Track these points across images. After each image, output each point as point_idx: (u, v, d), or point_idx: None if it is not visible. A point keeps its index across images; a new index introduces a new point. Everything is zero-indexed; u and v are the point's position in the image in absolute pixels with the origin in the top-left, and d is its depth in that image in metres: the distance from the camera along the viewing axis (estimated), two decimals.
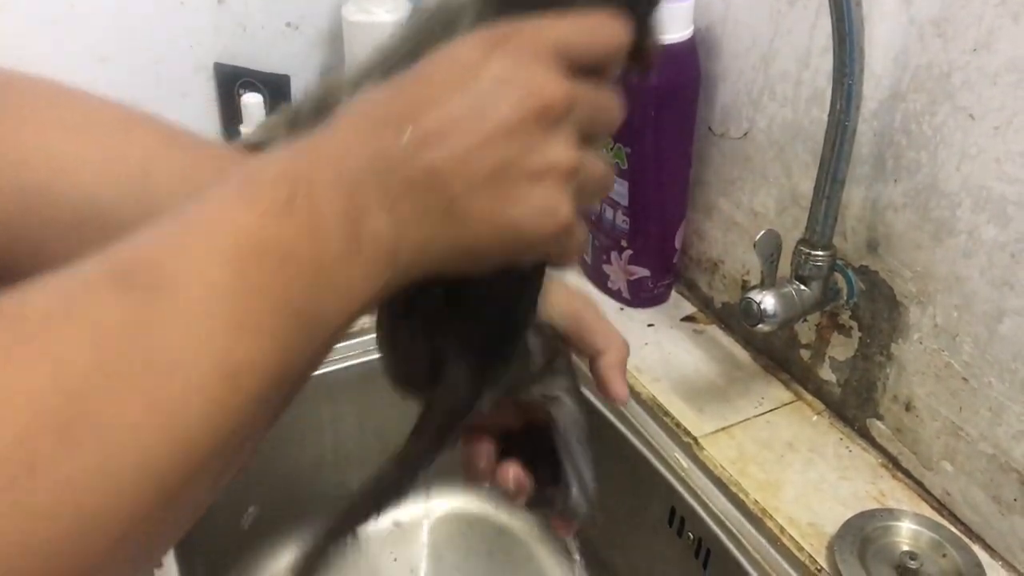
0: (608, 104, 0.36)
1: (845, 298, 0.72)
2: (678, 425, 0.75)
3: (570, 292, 0.51)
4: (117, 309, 0.26)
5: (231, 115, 0.97)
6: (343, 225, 0.31)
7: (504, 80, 0.33)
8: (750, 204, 0.81)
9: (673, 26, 0.77)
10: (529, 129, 0.33)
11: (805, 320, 0.76)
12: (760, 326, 0.69)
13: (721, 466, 0.72)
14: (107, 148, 0.41)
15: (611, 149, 0.82)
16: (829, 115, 0.65)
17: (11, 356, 0.25)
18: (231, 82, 0.97)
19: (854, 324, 0.73)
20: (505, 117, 0.32)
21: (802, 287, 0.70)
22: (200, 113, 0.99)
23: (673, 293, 0.91)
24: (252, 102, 0.92)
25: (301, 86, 1.01)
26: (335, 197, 0.31)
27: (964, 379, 0.65)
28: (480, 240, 0.34)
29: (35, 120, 0.40)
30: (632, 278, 0.87)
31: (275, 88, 0.97)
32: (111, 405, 0.25)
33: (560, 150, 0.34)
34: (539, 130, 0.33)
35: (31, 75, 0.41)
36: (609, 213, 0.86)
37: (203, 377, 0.27)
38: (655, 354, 0.83)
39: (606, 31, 0.35)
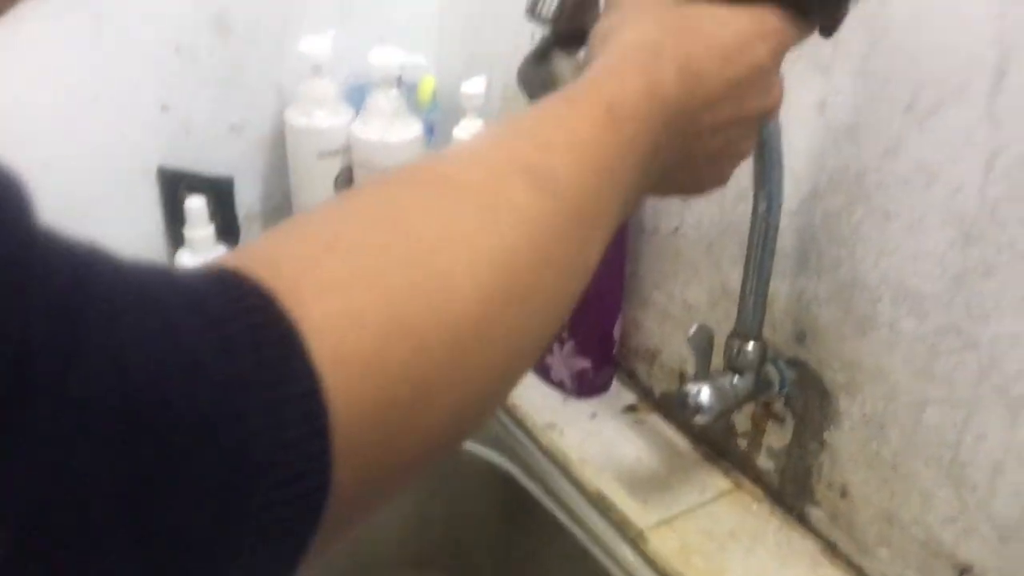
0: None
1: (778, 388, 0.74)
2: (623, 519, 0.76)
3: None
4: (534, 206, 0.35)
5: (175, 218, 0.98)
6: (651, 162, 0.41)
7: (763, 75, 0.45)
8: (683, 296, 0.83)
9: None
10: (752, 124, 0.46)
11: (741, 410, 0.78)
12: (697, 419, 0.71)
13: (665, 559, 0.73)
14: None
15: None
16: (752, 214, 0.68)
17: (465, 229, 0.33)
18: (174, 185, 0.98)
19: (788, 413, 0.75)
20: (750, 108, 0.45)
21: (736, 379, 0.72)
22: (144, 216, 0.99)
23: (615, 383, 0.92)
24: (195, 205, 0.93)
25: (244, 188, 1.03)
26: (654, 139, 0.41)
27: (893, 467, 0.67)
28: (674, 184, 0.46)
29: None
30: (574, 369, 0.89)
31: (218, 190, 0.98)
32: (536, 282, 0.34)
33: (751, 143, 0.47)
34: (754, 126, 0.46)
35: None
36: None
37: (580, 268, 0.38)
38: (598, 445, 0.85)
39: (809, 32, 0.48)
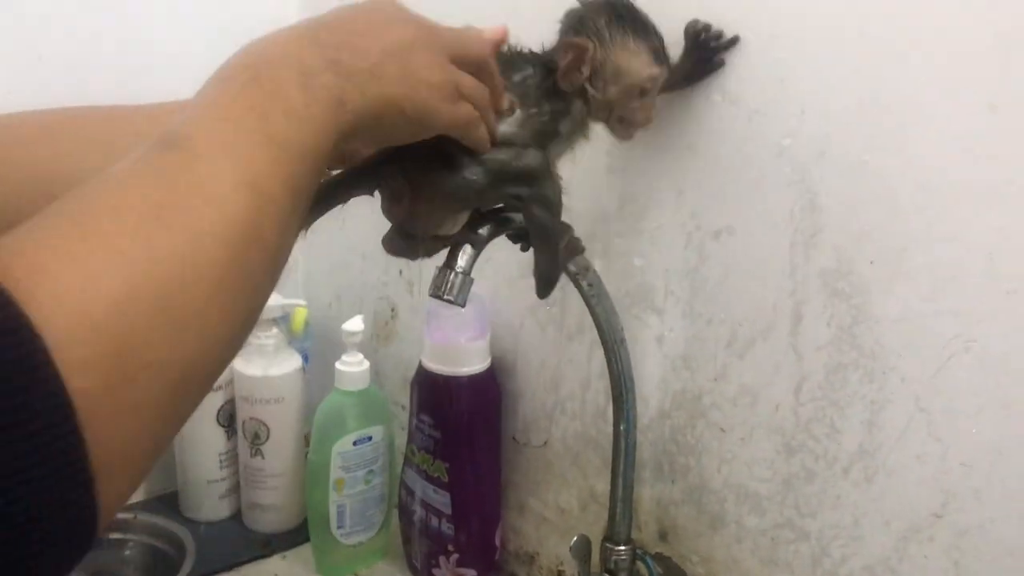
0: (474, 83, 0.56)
1: None
2: None
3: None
4: (171, 166, 0.41)
5: None
6: (299, 84, 0.46)
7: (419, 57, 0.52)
8: (556, 502, 0.93)
9: (474, 360, 0.91)
10: (430, 50, 0.53)
11: None
12: None
13: None
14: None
15: (432, 465, 0.93)
16: (614, 432, 0.79)
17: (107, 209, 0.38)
18: None
19: None
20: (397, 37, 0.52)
21: None
22: None
23: None
24: None
25: None
26: (288, 68, 0.47)
27: None
28: (397, 97, 0.51)
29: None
30: None
31: None
32: (180, 222, 0.39)
33: (444, 75, 0.53)
34: (437, 56, 0.53)
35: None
36: (435, 521, 0.95)
37: (233, 196, 0.41)
38: None
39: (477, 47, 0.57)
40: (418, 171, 0.59)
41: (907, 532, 0.66)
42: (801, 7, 0.66)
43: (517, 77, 0.62)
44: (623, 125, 0.67)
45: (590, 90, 0.64)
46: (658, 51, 0.66)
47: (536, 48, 0.65)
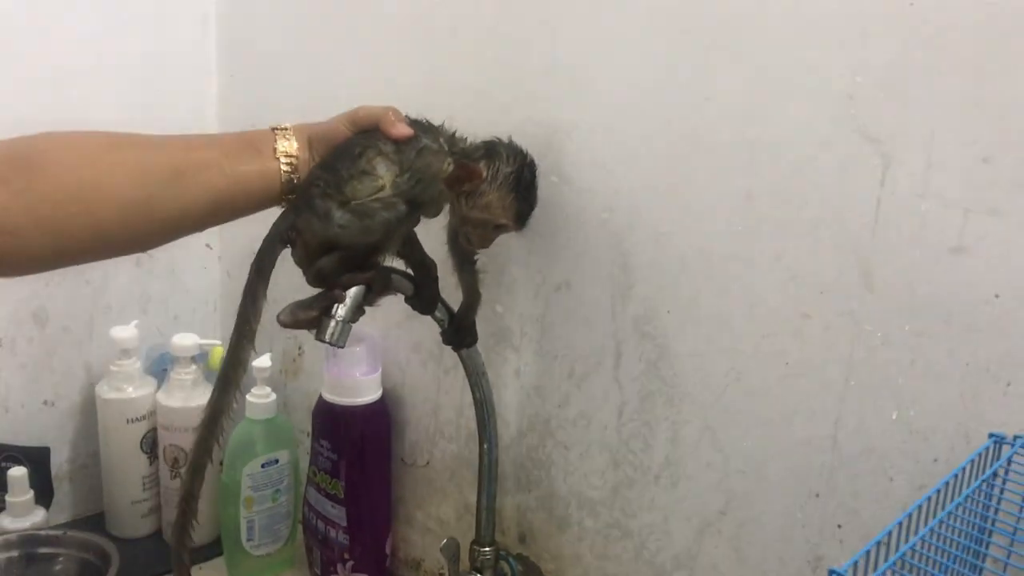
0: None
1: None
2: None
3: (338, 121, 0.79)
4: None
5: None
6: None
7: None
8: (437, 514, 1.08)
9: (367, 392, 1.06)
10: None
11: None
12: None
13: None
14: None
15: (330, 483, 1.07)
16: (480, 451, 0.95)
17: None
18: None
19: None
20: None
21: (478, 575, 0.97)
22: None
23: None
24: (17, 475, 1.08)
25: (56, 452, 1.18)
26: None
27: None
28: None
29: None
30: None
31: (36, 460, 1.13)
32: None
33: None
34: None
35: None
36: (332, 533, 1.09)
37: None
38: None
39: None
40: (302, 221, 0.74)
41: (702, 526, 0.83)
42: (619, 105, 0.83)
43: (425, 141, 0.78)
44: (464, 238, 0.84)
45: (461, 201, 0.81)
46: (522, 215, 0.84)
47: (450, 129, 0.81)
